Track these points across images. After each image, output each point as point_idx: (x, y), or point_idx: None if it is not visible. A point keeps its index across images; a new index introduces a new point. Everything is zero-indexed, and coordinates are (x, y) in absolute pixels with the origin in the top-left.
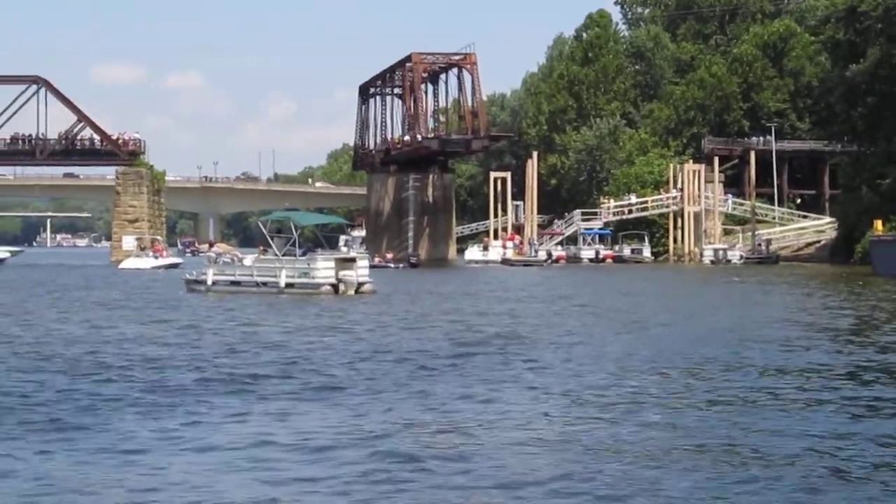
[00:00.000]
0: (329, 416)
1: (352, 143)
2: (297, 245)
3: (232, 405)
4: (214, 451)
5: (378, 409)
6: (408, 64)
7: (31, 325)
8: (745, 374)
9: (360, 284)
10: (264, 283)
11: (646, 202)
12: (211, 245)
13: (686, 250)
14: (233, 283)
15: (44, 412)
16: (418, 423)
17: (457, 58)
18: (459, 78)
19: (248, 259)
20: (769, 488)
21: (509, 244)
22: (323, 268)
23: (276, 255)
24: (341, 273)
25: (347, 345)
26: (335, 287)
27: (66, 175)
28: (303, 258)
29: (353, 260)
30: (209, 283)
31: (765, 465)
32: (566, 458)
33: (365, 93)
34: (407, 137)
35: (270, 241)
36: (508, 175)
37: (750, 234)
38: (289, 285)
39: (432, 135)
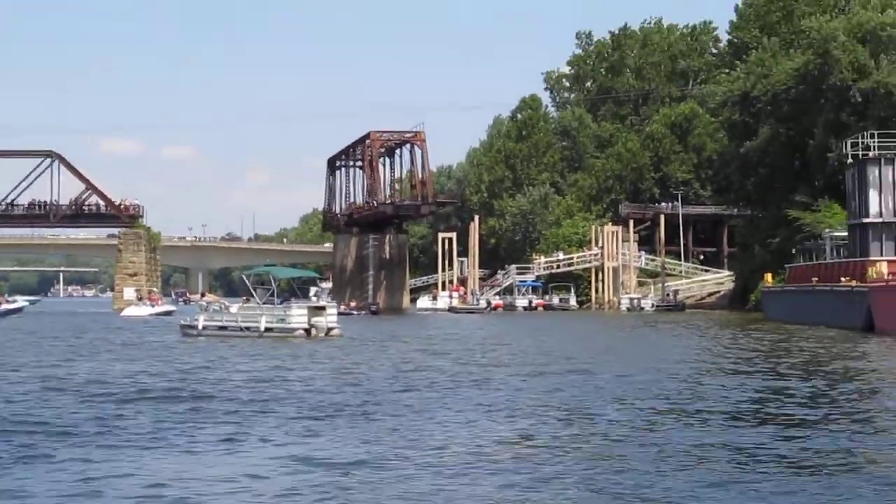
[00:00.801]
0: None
1: (321, 208)
2: (275, 295)
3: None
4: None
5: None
6: (367, 140)
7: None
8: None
9: (330, 329)
10: (247, 328)
11: (572, 258)
12: (202, 295)
13: (606, 299)
14: (220, 327)
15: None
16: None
17: (408, 135)
18: (412, 152)
19: (234, 307)
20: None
21: (455, 294)
22: (297, 314)
23: (258, 303)
24: (313, 319)
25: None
26: (307, 331)
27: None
28: (280, 306)
29: (323, 308)
30: (200, 327)
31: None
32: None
33: (332, 165)
34: (366, 203)
35: (253, 292)
36: (454, 235)
37: (660, 285)
38: (268, 329)
39: (388, 201)
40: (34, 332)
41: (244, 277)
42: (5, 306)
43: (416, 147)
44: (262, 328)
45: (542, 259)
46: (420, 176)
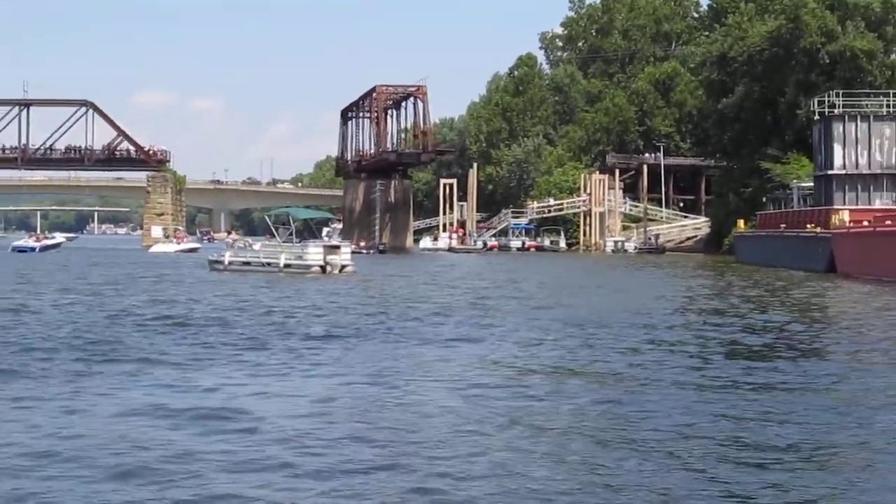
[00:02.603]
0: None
1: (334, 156)
2: (293, 234)
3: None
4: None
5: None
6: (374, 94)
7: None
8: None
9: (343, 266)
10: (268, 264)
11: (562, 204)
12: (228, 233)
13: (593, 242)
14: (244, 263)
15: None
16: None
17: (412, 89)
18: (415, 105)
19: (257, 245)
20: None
21: (454, 236)
22: (314, 252)
23: (278, 242)
24: (328, 257)
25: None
26: (323, 268)
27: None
28: (298, 244)
29: (338, 247)
30: (226, 262)
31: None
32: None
33: (345, 116)
34: (373, 151)
35: (274, 231)
36: (455, 181)
37: (643, 229)
38: (287, 266)
39: (392, 149)
40: (88, 264)
41: (266, 217)
42: (45, 242)
43: (418, 100)
44: (282, 264)
45: (535, 204)
46: (422, 126)
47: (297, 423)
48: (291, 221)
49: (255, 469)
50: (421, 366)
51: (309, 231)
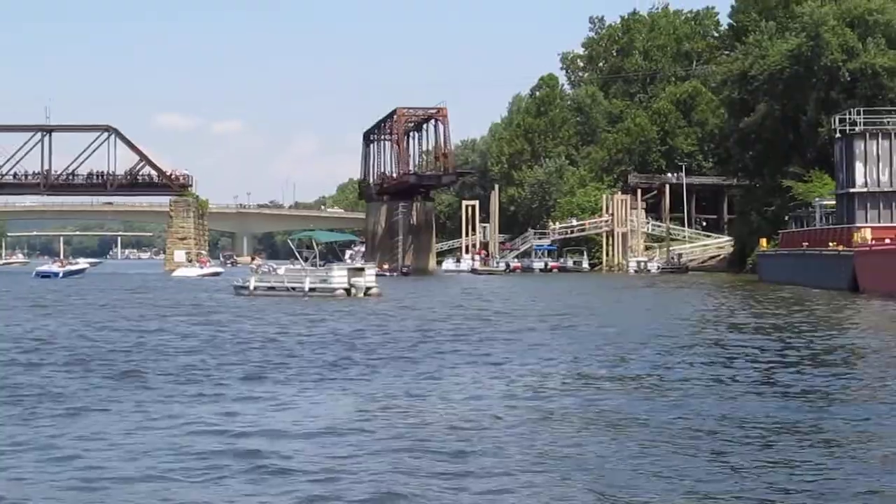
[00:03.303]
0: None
1: (356, 178)
2: (317, 257)
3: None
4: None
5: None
6: (394, 116)
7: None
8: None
9: (368, 288)
10: (293, 288)
11: (584, 224)
12: (253, 259)
13: (616, 262)
14: (269, 288)
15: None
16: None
17: (432, 111)
18: (436, 127)
19: (282, 269)
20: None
21: (477, 257)
22: (338, 275)
23: (303, 265)
24: (353, 279)
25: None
26: (347, 290)
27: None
28: (322, 268)
29: (362, 269)
30: (251, 288)
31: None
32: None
33: (367, 138)
34: (395, 174)
35: (298, 255)
36: (477, 203)
37: (665, 249)
38: (312, 289)
39: (412, 172)
40: (111, 291)
41: (289, 241)
42: (69, 267)
43: (439, 122)
44: (307, 288)
45: (558, 225)
46: (443, 148)
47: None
48: (315, 245)
49: None
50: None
51: (333, 254)
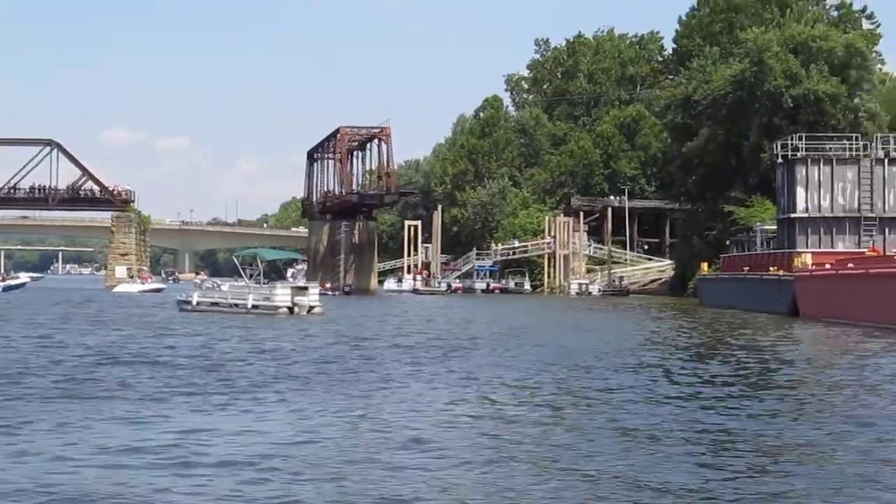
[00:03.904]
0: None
1: (300, 196)
2: (261, 275)
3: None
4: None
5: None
6: (338, 135)
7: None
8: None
9: (312, 307)
10: (236, 305)
11: (526, 246)
12: (196, 274)
13: (557, 284)
14: (212, 304)
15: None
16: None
17: (375, 130)
18: (379, 146)
19: (225, 286)
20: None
21: (419, 277)
22: (281, 293)
23: (246, 282)
24: (296, 298)
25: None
26: (290, 309)
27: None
28: (266, 286)
29: (305, 288)
30: (195, 303)
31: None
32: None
33: (311, 156)
34: (337, 193)
35: (242, 272)
36: (420, 223)
37: (607, 272)
38: (255, 306)
39: (355, 191)
40: (48, 304)
41: (234, 258)
42: (9, 282)
43: (382, 141)
44: (250, 305)
45: (500, 246)
46: (385, 168)
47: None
48: (259, 262)
49: None
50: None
51: (277, 272)
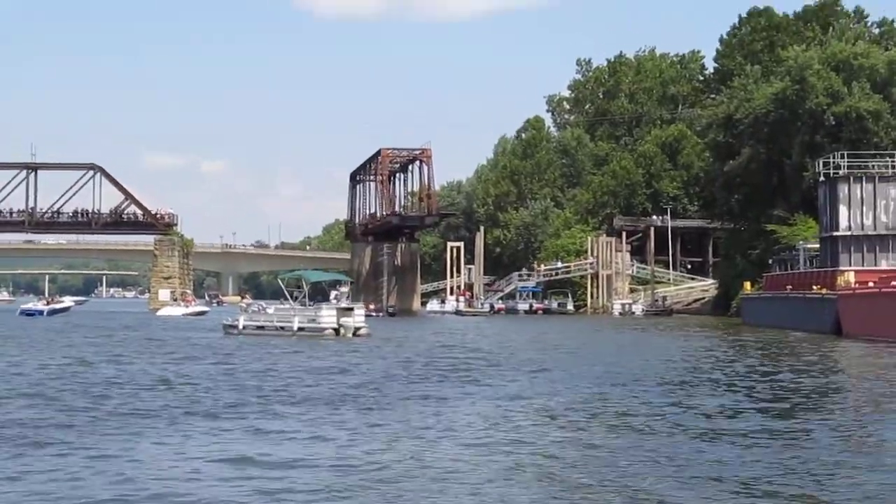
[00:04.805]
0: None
1: (342, 218)
2: (307, 297)
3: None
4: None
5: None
6: (379, 157)
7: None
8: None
9: (357, 329)
10: (282, 328)
11: (569, 266)
12: (242, 297)
13: (600, 304)
14: (258, 327)
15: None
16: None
17: (417, 152)
18: (420, 168)
19: (271, 309)
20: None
21: (461, 299)
22: (327, 315)
23: (292, 304)
24: (342, 319)
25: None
26: (336, 330)
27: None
28: (311, 307)
29: (351, 309)
30: (241, 327)
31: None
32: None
33: (353, 178)
34: (378, 214)
35: (287, 295)
36: (462, 245)
37: (650, 291)
38: (301, 329)
39: (395, 213)
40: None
41: (279, 281)
42: (53, 305)
43: (423, 163)
44: (296, 328)
45: (543, 267)
46: (426, 189)
47: None
48: (304, 284)
49: None
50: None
51: (322, 294)
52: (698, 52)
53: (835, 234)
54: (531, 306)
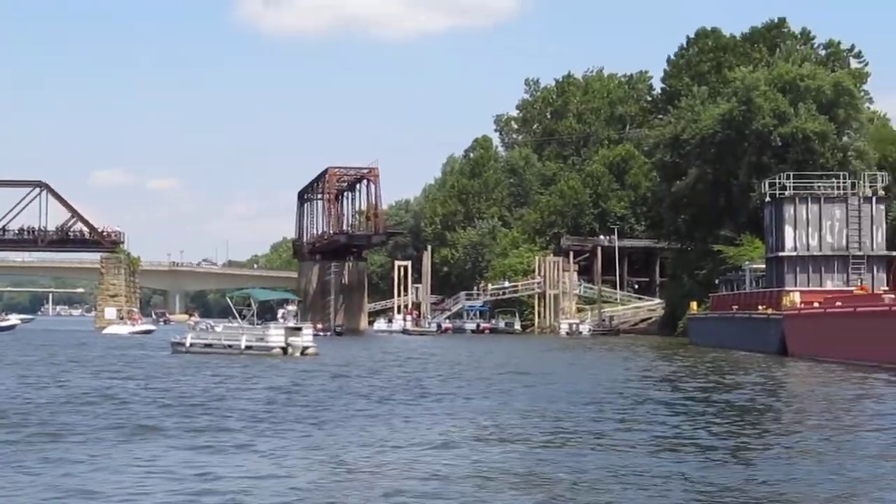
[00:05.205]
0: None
1: (290, 237)
2: (255, 315)
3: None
4: None
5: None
6: (326, 176)
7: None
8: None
9: (305, 348)
10: (230, 346)
11: (516, 286)
12: (190, 315)
13: (547, 324)
14: (206, 345)
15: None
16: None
17: (364, 171)
18: (367, 187)
19: (219, 327)
20: None
21: (409, 318)
22: (275, 334)
23: (240, 323)
24: (290, 339)
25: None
26: (284, 350)
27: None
28: (259, 326)
29: (300, 329)
30: (188, 344)
31: None
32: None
33: (301, 197)
34: (326, 233)
35: (236, 313)
36: (409, 264)
37: (597, 311)
38: (248, 347)
39: (342, 231)
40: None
41: (227, 299)
42: (0, 323)
43: (370, 182)
44: (243, 346)
45: (490, 286)
46: (374, 208)
47: None
48: (253, 303)
49: None
50: None
51: (270, 312)
52: (646, 72)
53: (780, 254)
54: (478, 326)
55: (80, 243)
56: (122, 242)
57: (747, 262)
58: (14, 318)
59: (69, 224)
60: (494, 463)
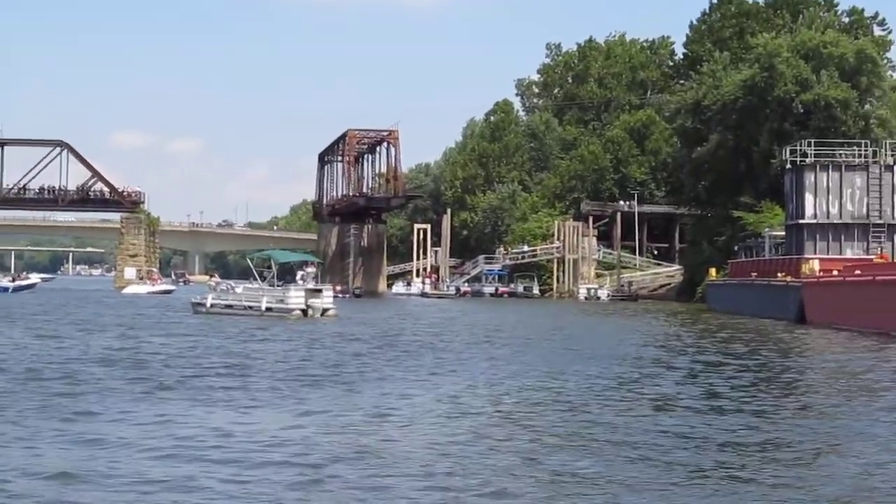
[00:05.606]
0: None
1: (310, 199)
2: (276, 277)
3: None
4: None
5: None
6: (346, 139)
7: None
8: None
9: (325, 310)
10: (250, 307)
11: (535, 250)
12: (211, 276)
13: (566, 289)
14: (227, 306)
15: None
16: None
17: (384, 133)
18: (387, 149)
19: (240, 288)
20: None
21: (427, 281)
22: (294, 296)
23: (260, 285)
24: (310, 300)
25: None
26: (304, 311)
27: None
28: (279, 288)
29: (320, 290)
30: (209, 305)
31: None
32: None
33: (322, 159)
34: (345, 195)
35: (257, 275)
36: (429, 227)
37: (616, 276)
38: (268, 309)
39: (361, 194)
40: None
41: (248, 260)
42: (19, 282)
43: (390, 144)
44: (264, 308)
45: (509, 250)
46: (393, 171)
47: None
48: (273, 264)
49: None
50: None
51: (290, 274)
52: (668, 37)
53: (800, 221)
54: (497, 290)
55: (100, 203)
56: (143, 202)
57: (767, 229)
58: (35, 277)
59: (90, 184)
60: (544, 427)
